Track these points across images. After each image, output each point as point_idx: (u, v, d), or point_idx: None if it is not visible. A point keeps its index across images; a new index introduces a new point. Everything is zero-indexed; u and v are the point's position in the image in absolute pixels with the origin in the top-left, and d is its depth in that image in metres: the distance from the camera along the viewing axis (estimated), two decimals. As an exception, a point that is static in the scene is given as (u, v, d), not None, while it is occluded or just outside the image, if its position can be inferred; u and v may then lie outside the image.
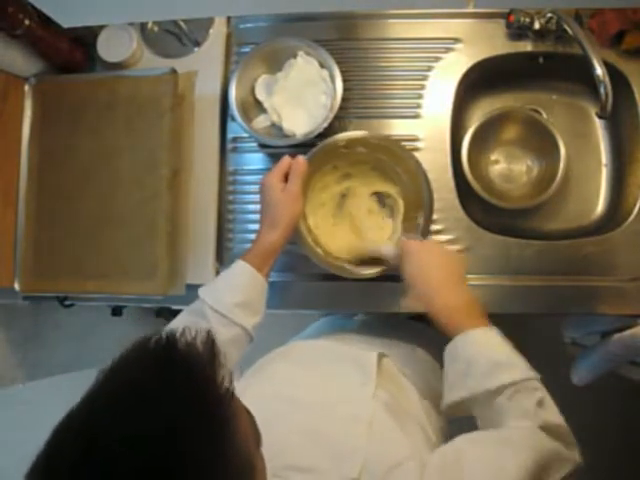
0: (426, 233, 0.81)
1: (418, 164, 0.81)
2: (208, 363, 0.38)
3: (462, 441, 0.55)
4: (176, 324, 0.70)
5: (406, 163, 0.82)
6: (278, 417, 0.57)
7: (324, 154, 0.82)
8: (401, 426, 0.56)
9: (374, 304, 0.87)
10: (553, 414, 0.59)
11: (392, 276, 0.80)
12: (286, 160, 0.77)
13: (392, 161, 0.83)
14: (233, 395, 0.39)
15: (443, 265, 0.70)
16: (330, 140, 0.81)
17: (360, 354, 0.69)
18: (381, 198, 0.88)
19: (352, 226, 0.87)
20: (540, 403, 0.58)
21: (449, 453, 0.53)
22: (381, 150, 0.83)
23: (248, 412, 0.42)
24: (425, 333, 0.98)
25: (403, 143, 0.86)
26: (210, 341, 0.39)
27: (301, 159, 0.77)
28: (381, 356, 0.68)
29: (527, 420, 0.57)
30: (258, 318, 0.74)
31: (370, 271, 0.81)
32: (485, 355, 0.61)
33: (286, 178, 0.76)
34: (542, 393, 0.59)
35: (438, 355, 0.83)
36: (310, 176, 0.82)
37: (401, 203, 0.85)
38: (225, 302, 0.70)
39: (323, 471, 0.50)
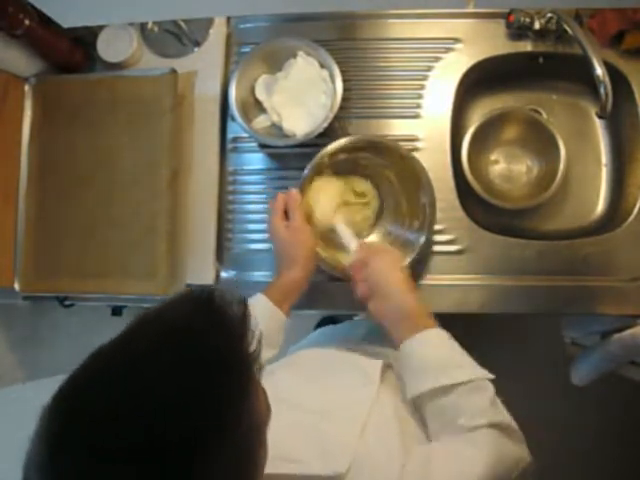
0: (432, 218, 0.81)
1: (407, 152, 0.82)
2: (240, 322, 0.40)
3: (432, 446, 0.58)
4: None
5: (393, 154, 0.82)
6: (275, 415, 0.58)
7: (313, 175, 0.82)
8: (398, 429, 0.57)
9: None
10: (503, 413, 0.60)
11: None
12: (280, 198, 0.78)
13: (379, 157, 0.84)
14: (258, 357, 0.41)
15: (385, 278, 0.69)
16: (314, 160, 0.80)
17: (364, 361, 0.70)
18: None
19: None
20: (492, 402, 0.59)
21: (420, 455, 0.55)
22: (366, 150, 0.83)
23: (261, 386, 0.44)
24: None
25: (403, 143, 0.86)
26: (243, 304, 0.41)
27: (293, 192, 0.78)
28: (386, 366, 0.69)
29: (480, 418, 0.58)
30: (274, 352, 0.74)
31: None
32: (439, 354, 0.63)
33: (287, 214, 0.77)
34: (492, 393, 0.61)
35: None
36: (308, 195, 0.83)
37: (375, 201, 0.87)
38: None
39: (311, 464, 0.52)
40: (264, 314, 0.73)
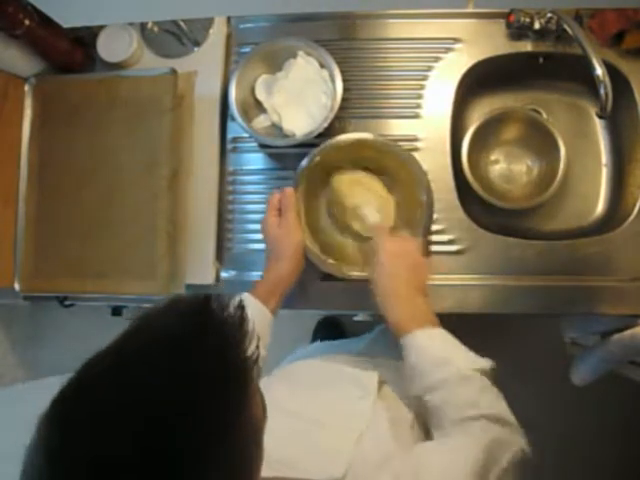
0: (428, 229, 0.81)
1: (400, 149, 0.82)
2: (238, 326, 0.40)
3: (422, 445, 0.57)
4: None
5: (390, 153, 0.82)
6: (274, 422, 0.58)
7: (308, 174, 0.82)
8: (394, 439, 0.58)
9: (375, 305, 0.87)
10: (495, 404, 0.60)
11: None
12: (275, 196, 0.80)
13: (379, 155, 0.84)
14: (257, 362, 0.40)
15: (407, 270, 0.71)
16: (306, 162, 0.82)
17: (361, 373, 0.70)
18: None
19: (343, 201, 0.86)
20: (481, 392, 0.59)
21: (410, 457, 0.55)
22: (363, 148, 0.83)
23: (259, 390, 0.43)
24: None
25: (403, 143, 0.86)
26: (241, 307, 0.41)
27: (288, 191, 0.79)
28: (381, 382, 0.69)
29: (470, 410, 0.58)
30: (262, 352, 0.74)
31: (362, 273, 0.81)
32: (426, 355, 0.64)
33: (280, 212, 0.79)
34: (483, 384, 0.60)
35: None
36: (305, 194, 0.83)
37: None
38: None
39: (308, 469, 0.52)
40: (251, 314, 0.73)
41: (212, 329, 0.38)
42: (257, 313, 0.74)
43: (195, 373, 0.36)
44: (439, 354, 0.63)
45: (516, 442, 0.56)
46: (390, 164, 0.84)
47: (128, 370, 0.36)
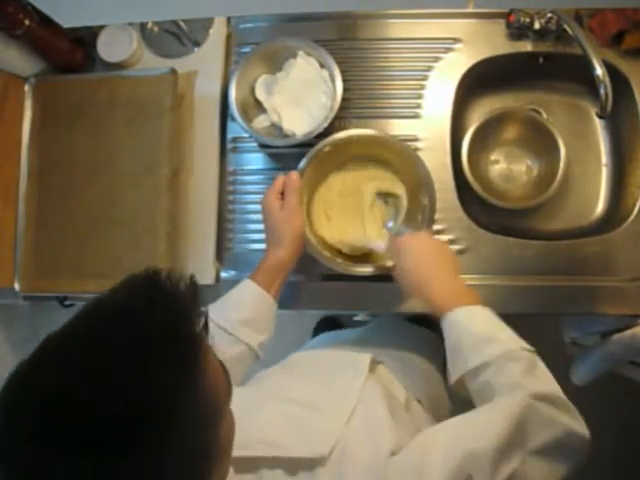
0: (431, 224, 0.81)
1: (409, 149, 0.82)
2: (188, 301, 0.40)
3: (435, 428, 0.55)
4: None
5: (398, 152, 0.82)
6: (267, 406, 0.59)
7: (315, 161, 0.82)
8: (387, 418, 0.57)
9: (377, 304, 0.87)
10: (544, 383, 0.58)
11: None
12: (280, 178, 0.79)
13: (386, 154, 0.84)
14: (206, 337, 0.40)
15: (436, 255, 0.70)
16: (315, 147, 0.81)
17: (354, 355, 0.71)
18: (385, 197, 0.87)
19: (352, 218, 0.86)
20: (528, 373, 0.57)
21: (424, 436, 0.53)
22: (371, 145, 0.83)
23: (222, 365, 0.43)
24: (424, 338, 0.98)
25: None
26: (193, 284, 0.41)
27: (294, 174, 0.78)
28: (375, 361, 0.69)
29: (516, 392, 0.55)
30: (265, 336, 0.74)
31: (364, 269, 0.80)
32: (469, 333, 0.62)
33: (283, 195, 0.78)
34: (531, 363, 0.59)
35: (437, 360, 0.82)
36: (309, 185, 0.83)
37: (405, 202, 0.84)
38: (230, 319, 0.71)
39: (294, 448, 0.52)
40: (252, 298, 0.74)
41: (161, 304, 0.38)
42: (259, 299, 0.74)
43: (141, 344, 0.36)
44: (482, 332, 0.61)
45: (563, 422, 0.54)
46: (397, 163, 0.84)
47: (75, 352, 0.36)
